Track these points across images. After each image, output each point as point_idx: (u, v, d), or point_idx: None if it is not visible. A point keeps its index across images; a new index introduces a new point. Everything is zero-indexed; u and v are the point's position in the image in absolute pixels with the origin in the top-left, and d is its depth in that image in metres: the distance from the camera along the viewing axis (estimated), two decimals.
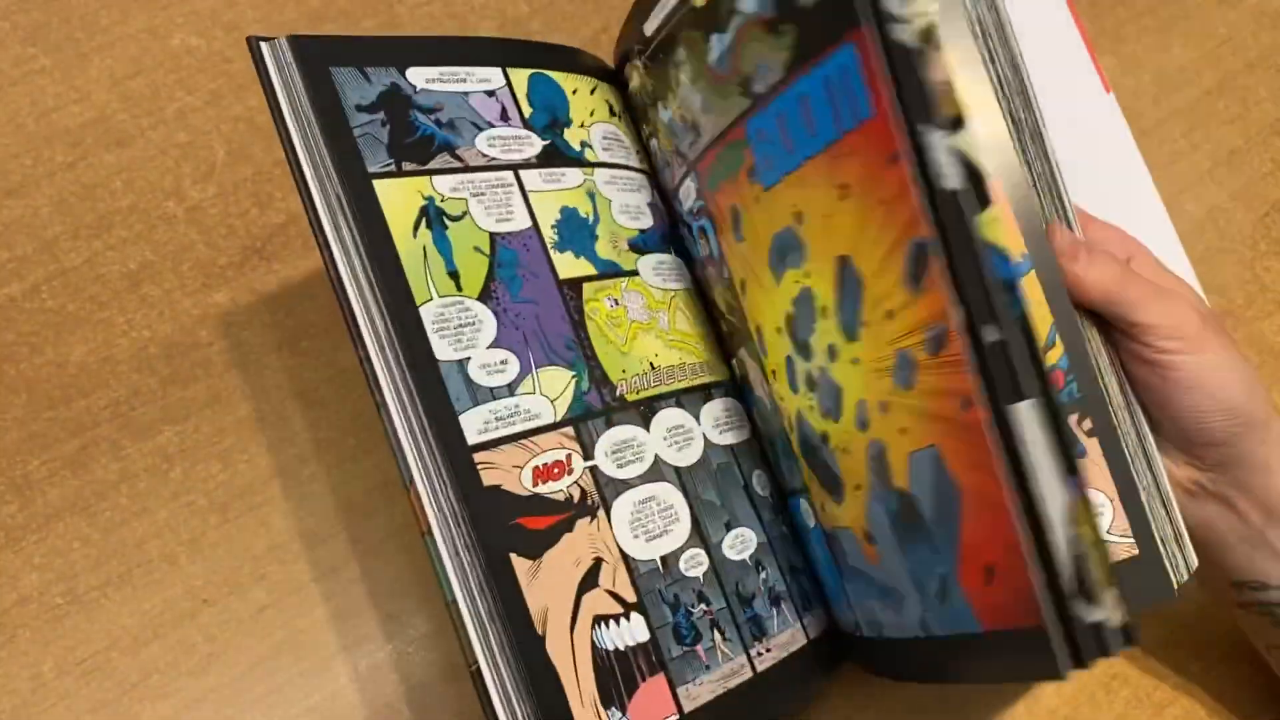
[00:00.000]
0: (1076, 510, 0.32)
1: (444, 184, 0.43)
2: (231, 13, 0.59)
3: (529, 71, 0.47)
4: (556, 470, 0.41)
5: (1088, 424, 0.41)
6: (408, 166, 0.42)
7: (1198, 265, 0.62)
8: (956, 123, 0.33)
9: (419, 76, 0.44)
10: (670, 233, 0.50)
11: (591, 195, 0.47)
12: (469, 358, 0.41)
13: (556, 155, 0.47)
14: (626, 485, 0.43)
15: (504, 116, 0.46)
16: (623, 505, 0.42)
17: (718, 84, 0.42)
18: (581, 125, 0.48)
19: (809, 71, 0.37)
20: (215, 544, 0.50)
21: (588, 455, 0.42)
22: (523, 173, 0.45)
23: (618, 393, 0.44)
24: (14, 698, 0.47)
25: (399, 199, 0.41)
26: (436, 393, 0.40)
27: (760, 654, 0.44)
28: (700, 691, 0.42)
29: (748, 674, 0.43)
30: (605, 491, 0.42)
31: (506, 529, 0.39)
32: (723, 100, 0.42)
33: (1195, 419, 0.42)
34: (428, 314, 0.41)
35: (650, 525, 0.43)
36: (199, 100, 0.57)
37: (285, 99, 0.40)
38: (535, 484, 0.41)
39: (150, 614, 0.49)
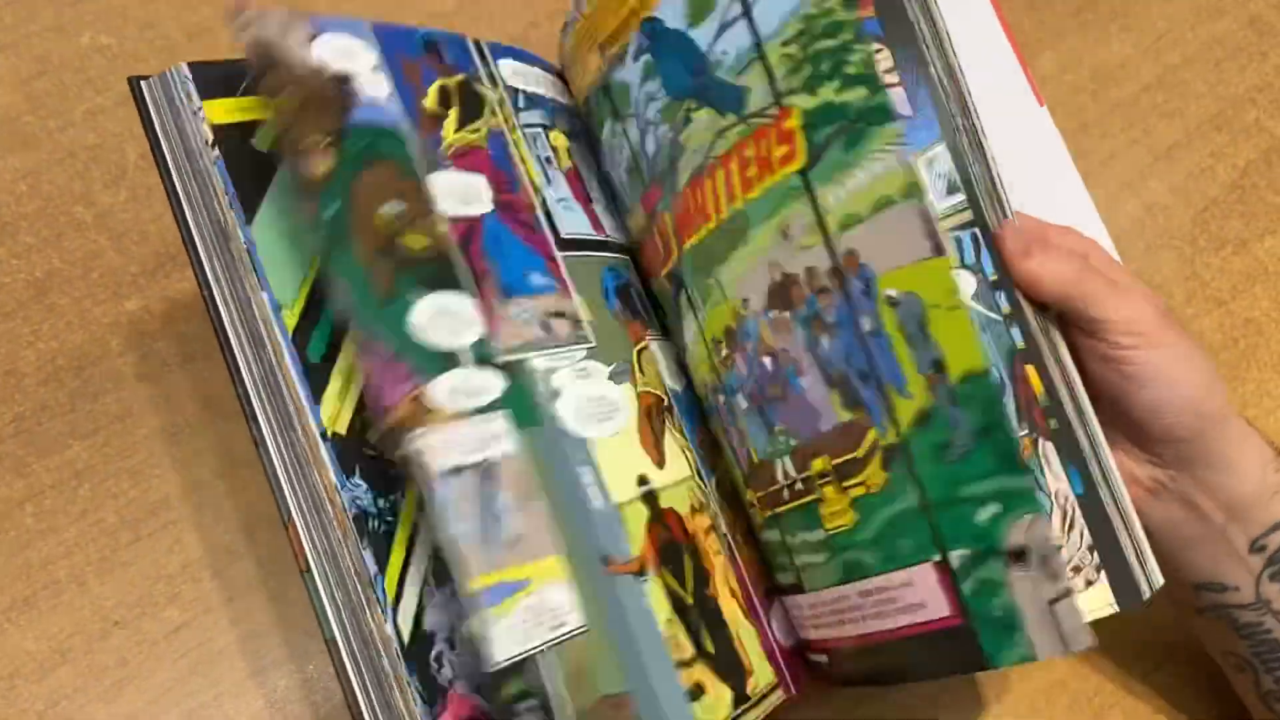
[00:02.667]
0: None
1: None
2: (145, 10, 0.57)
3: None
4: None
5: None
6: None
7: (1137, 262, 0.62)
8: None
9: None
10: None
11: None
12: None
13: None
14: None
15: None
16: None
17: None
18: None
19: None
20: (126, 563, 0.48)
21: None
22: None
23: None
24: None
25: None
26: None
27: None
28: None
29: None
30: None
31: None
32: None
33: (1155, 414, 0.41)
34: None
35: None
36: (109, 101, 0.55)
37: (165, 140, 0.39)
38: None
39: (58, 638, 0.47)
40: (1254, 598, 0.44)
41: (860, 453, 0.39)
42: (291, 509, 0.38)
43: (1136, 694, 0.52)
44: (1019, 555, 0.36)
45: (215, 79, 0.39)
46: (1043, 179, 0.50)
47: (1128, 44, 0.66)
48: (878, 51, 0.37)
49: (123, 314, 0.51)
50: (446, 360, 0.37)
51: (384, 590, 0.37)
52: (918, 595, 0.38)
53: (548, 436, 0.39)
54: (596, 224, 0.47)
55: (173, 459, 0.50)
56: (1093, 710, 0.52)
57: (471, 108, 0.44)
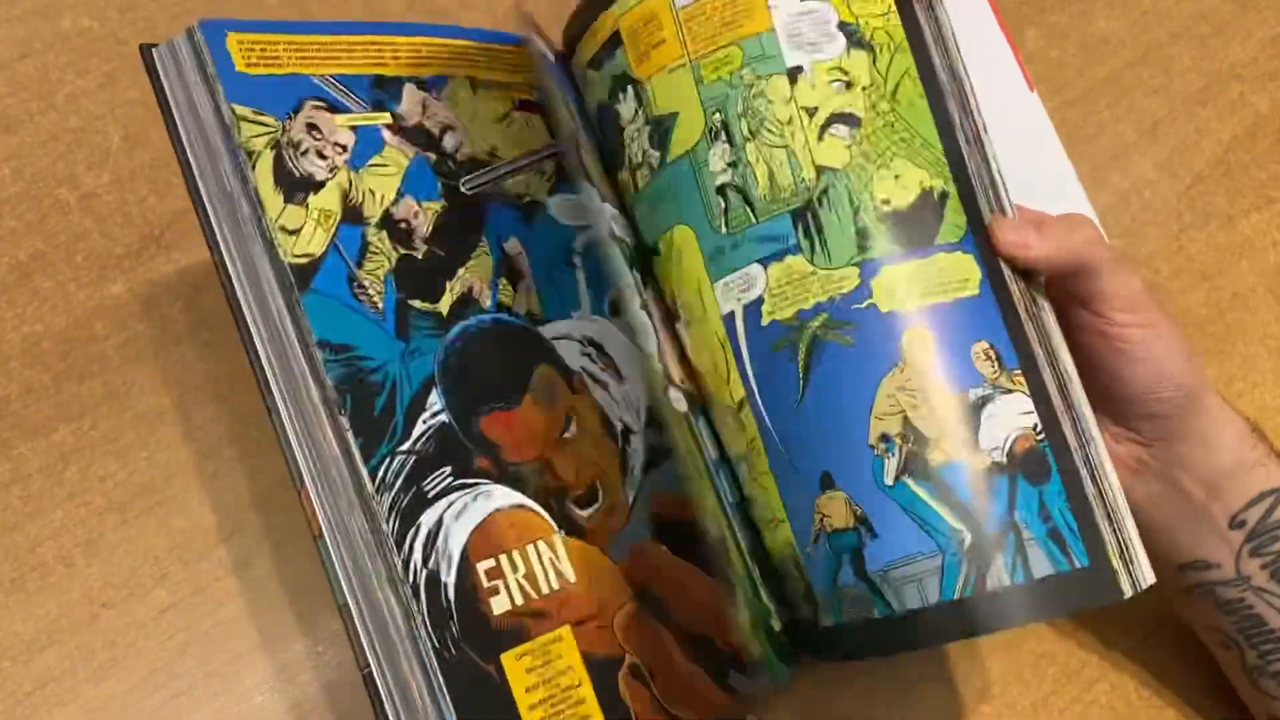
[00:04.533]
0: None
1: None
2: None
3: None
4: None
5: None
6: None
7: (1123, 237, 0.62)
8: None
9: None
10: None
11: None
12: None
13: None
14: None
15: None
16: None
17: None
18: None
19: None
20: (114, 545, 0.48)
21: None
22: None
23: None
24: None
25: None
26: None
27: None
28: None
29: None
30: None
31: None
32: None
33: (1143, 390, 0.42)
34: None
35: None
36: (92, 84, 0.55)
37: (175, 108, 0.39)
38: None
39: (45, 619, 0.47)
40: (1235, 574, 0.44)
41: None
42: (304, 474, 0.38)
43: (1124, 666, 0.53)
44: None
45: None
46: (1034, 164, 0.50)
47: (1114, 19, 0.66)
48: None
49: (107, 296, 0.51)
50: None
51: None
52: None
53: None
54: None
55: (159, 441, 0.50)
56: (1081, 682, 0.52)
57: None
